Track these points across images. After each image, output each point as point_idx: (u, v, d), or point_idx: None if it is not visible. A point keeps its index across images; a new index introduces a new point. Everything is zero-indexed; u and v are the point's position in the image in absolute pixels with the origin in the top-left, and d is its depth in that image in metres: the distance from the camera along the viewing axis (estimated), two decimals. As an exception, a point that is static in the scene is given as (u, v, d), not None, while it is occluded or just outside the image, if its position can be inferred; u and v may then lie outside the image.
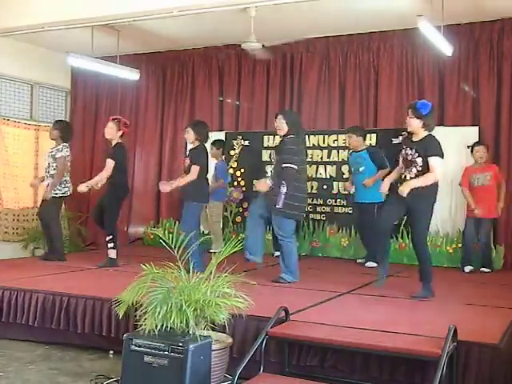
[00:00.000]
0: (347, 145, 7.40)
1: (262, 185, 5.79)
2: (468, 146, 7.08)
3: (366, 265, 7.01)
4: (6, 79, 8.62)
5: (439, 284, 5.46)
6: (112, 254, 6.63)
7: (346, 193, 7.68)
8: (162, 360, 3.43)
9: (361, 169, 7.11)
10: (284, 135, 5.71)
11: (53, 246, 7.05)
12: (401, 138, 5.71)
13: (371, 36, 7.86)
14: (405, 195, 4.95)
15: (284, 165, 5.58)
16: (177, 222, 8.56)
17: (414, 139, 5.14)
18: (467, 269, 6.78)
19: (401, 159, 5.19)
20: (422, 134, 5.12)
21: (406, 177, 5.11)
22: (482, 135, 7.21)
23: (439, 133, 7.29)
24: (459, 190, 6.98)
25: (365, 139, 7.26)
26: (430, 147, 5.06)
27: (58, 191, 6.92)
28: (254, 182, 6.06)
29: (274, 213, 5.62)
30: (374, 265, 6.76)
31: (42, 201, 7.07)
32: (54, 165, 6.93)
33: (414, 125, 5.10)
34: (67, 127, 7.30)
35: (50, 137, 7.20)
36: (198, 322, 3.56)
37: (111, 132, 6.58)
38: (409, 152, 5.10)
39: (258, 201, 5.91)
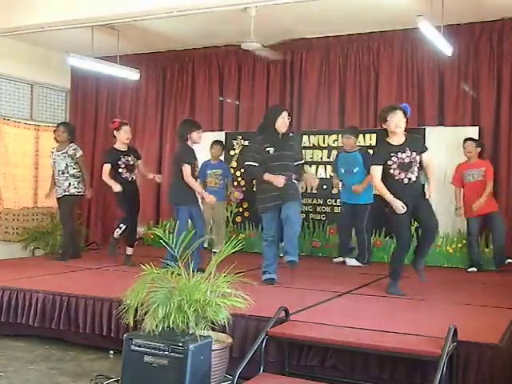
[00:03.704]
0: (342, 145, 7.32)
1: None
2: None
3: (348, 263, 7.20)
4: (5, 79, 8.62)
5: (439, 284, 5.47)
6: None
7: (336, 192, 7.73)
8: (161, 360, 3.44)
9: (355, 170, 7.15)
10: (287, 132, 5.79)
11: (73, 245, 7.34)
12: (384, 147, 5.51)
13: (371, 36, 7.85)
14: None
15: (298, 162, 5.85)
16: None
17: (399, 142, 5.18)
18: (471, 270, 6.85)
19: (395, 166, 5.13)
20: (403, 134, 5.20)
21: (410, 179, 5.15)
22: (482, 135, 7.20)
23: (439, 133, 7.40)
24: (459, 189, 6.98)
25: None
26: (422, 144, 5.34)
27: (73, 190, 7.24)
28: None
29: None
30: (357, 263, 7.13)
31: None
32: (74, 164, 7.18)
33: (404, 126, 5.21)
34: (74, 129, 7.61)
35: (58, 139, 7.30)
36: (198, 321, 3.56)
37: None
38: (404, 156, 5.13)
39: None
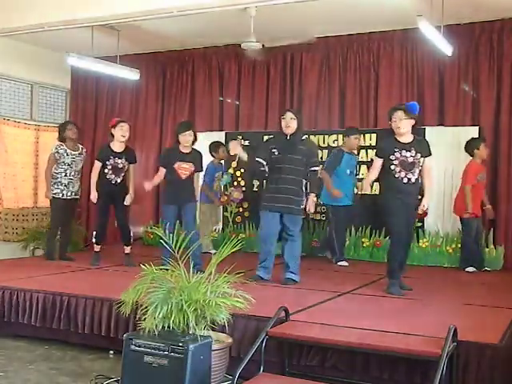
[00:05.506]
0: (348, 145, 7.16)
1: None
2: None
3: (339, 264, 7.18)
4: (6, 79, 8.62)
5: (439, 284, 5.46)
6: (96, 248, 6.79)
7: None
8: (161, 360, 3.44)
9: (354, 171, 7.23)
10: (294, 133, 5.60)
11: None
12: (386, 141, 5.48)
13: (371, 36, 7.85)
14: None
15: (314, 168, 5.68)
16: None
17: (407, 141, 5.21)
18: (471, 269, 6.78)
19: (396, 162, 5.14)
20: (411, 134, 5.23)
21: (409, 179, 5.17)
22: (482, 135, 7.19)
23: (439, 133, 7.39)
24: (458, 189, 6.94)
25: None
26: (428, 147, 5.31)
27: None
28: None
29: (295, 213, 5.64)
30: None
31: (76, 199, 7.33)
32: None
33: (408, 126, 5.19)
34: None
35: (74, 136, 7.15)
36: (198, 321, 3.56)
37: None
38: (408, 154, 5.15)
39: None
